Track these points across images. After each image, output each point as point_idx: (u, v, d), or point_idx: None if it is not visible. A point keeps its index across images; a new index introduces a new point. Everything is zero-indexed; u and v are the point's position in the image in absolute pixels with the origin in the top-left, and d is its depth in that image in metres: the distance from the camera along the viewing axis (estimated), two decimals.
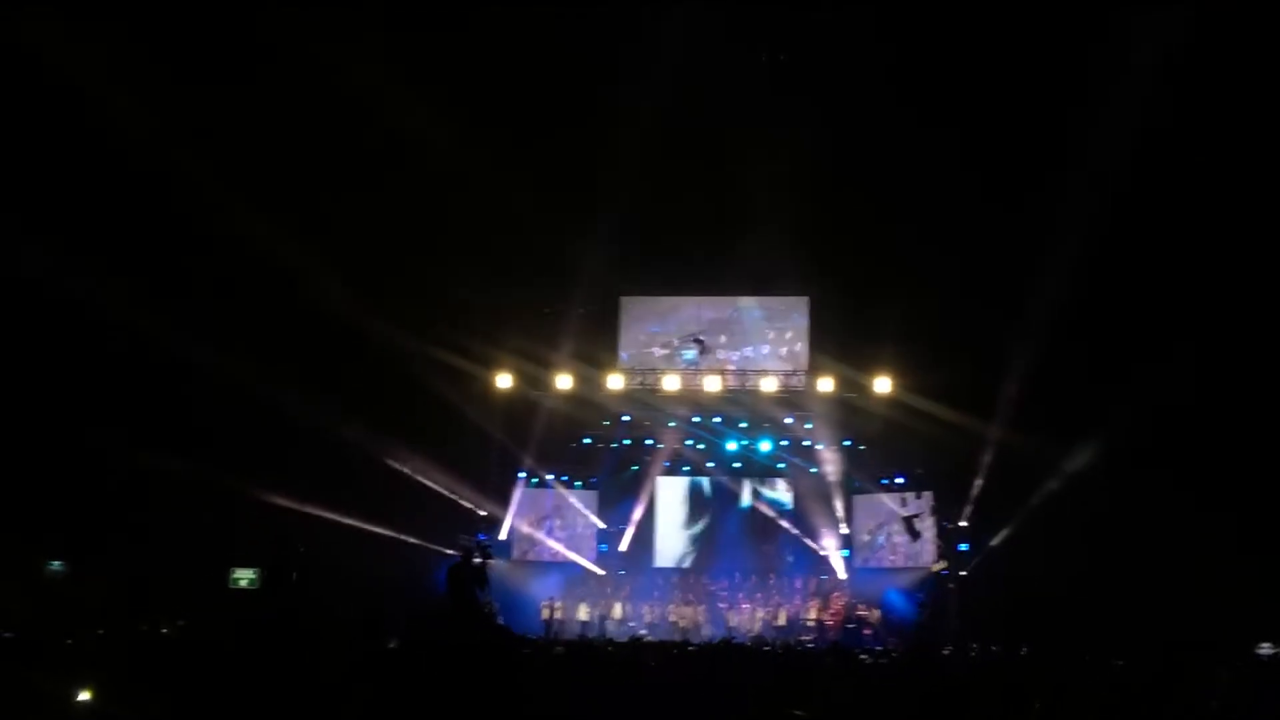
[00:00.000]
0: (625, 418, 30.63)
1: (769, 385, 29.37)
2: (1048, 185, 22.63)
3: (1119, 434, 23.73)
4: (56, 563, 24.33)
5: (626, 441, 31.31)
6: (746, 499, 31.32)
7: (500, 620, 22.87)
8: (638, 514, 31.01)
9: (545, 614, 28.81)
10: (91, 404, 22.58)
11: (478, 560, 15.96)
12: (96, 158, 21.31)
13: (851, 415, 29.57)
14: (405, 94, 22.05)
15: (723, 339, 30.14)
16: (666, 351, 30.13)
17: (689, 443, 30.99)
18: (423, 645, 9.74)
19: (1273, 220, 21.37)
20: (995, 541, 26.89)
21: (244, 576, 25.61)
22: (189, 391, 23.41)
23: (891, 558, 30.27)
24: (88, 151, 21.22)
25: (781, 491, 31.38)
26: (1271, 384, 22.86)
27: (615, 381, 29.11)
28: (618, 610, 29.66)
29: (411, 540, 26.91)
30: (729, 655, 13.94)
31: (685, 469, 31.66)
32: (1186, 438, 23.36)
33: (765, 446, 30.77)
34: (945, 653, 20.39)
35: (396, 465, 26.70)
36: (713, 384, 29.13)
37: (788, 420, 30.36)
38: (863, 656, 15.09)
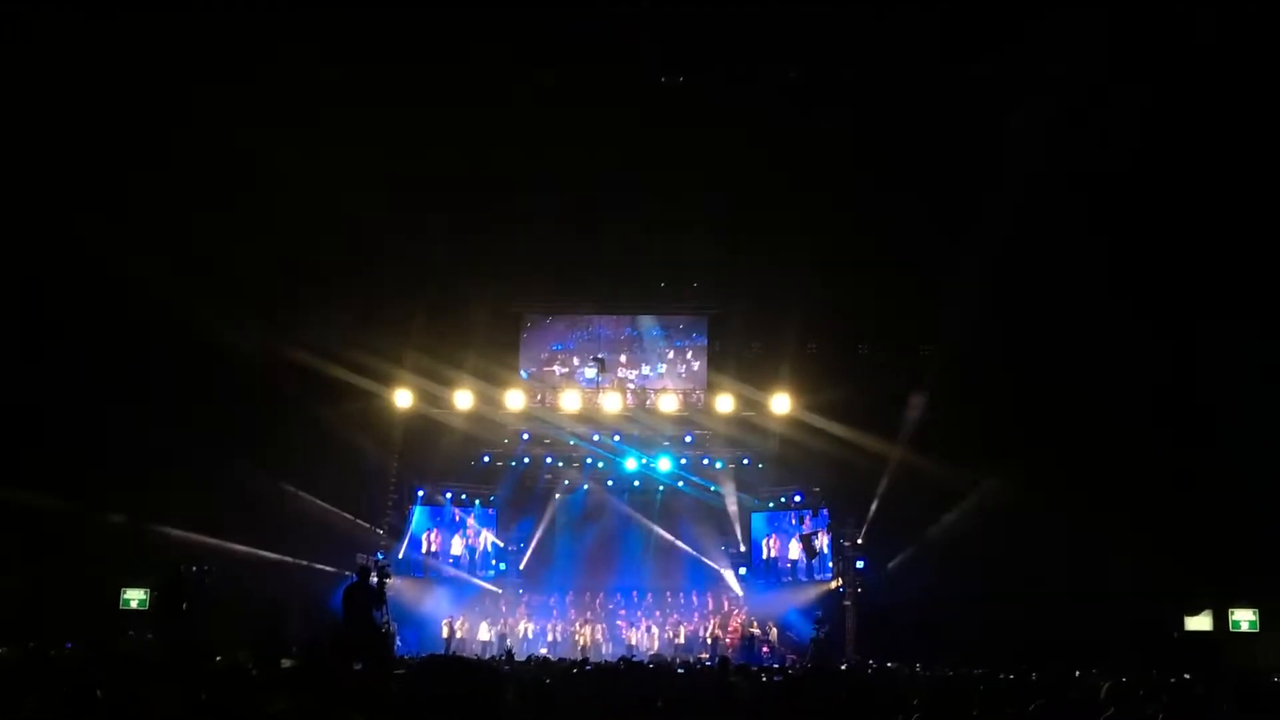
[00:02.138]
0: (525, 436, 30.52)
1: (668, 404, 29.46)
2: (955, 202, 23.01)
3: (1014, 454, 24.22)
4: None
5: (526, 460, 31.20)
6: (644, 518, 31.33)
7: (398, 640, 22.76)
8: (538, 532, 30.93)
9: (445, 632, 28.57)
10: None
11: (375, 580, 15.86)
12: None
13: (750, 433, 29.79)
14: (300, 118, 21.90)
15: (622, 357, 30.19)
16: (566, 370, 30.12)
17: (589, 461, 30.97)
18: (317, 665, 9.65)
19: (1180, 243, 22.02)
20: (892, 562, 27.25)
21: (134, 596, 25.06)
22: (70, 420, 22.84)
23: (788, 576, 30.52)
24: None
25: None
26: (1167, 409, 23.51)
27: (515, 399, 28.98)
28: (520, 629, 29.56)
29: (308, 563, 26.52)
30: (628, 673, 13.94)
31: (584, 487, 31.61)
32: (1082, 458, 23.95)
33: (665, 465, 30.84)
34: (842, 668, 20.68)
35: (291, 488, 26.26)
36: (612, 403, 29.13)
37: (687, 438, 30.50)
38: (760, 674, 15.20)
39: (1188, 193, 22.43)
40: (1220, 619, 25.20)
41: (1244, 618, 25.24)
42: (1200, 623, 25.33)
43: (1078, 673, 15.33)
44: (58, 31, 20.24)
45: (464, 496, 31.22)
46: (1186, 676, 14.96)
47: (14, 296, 21.41)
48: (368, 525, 28.64)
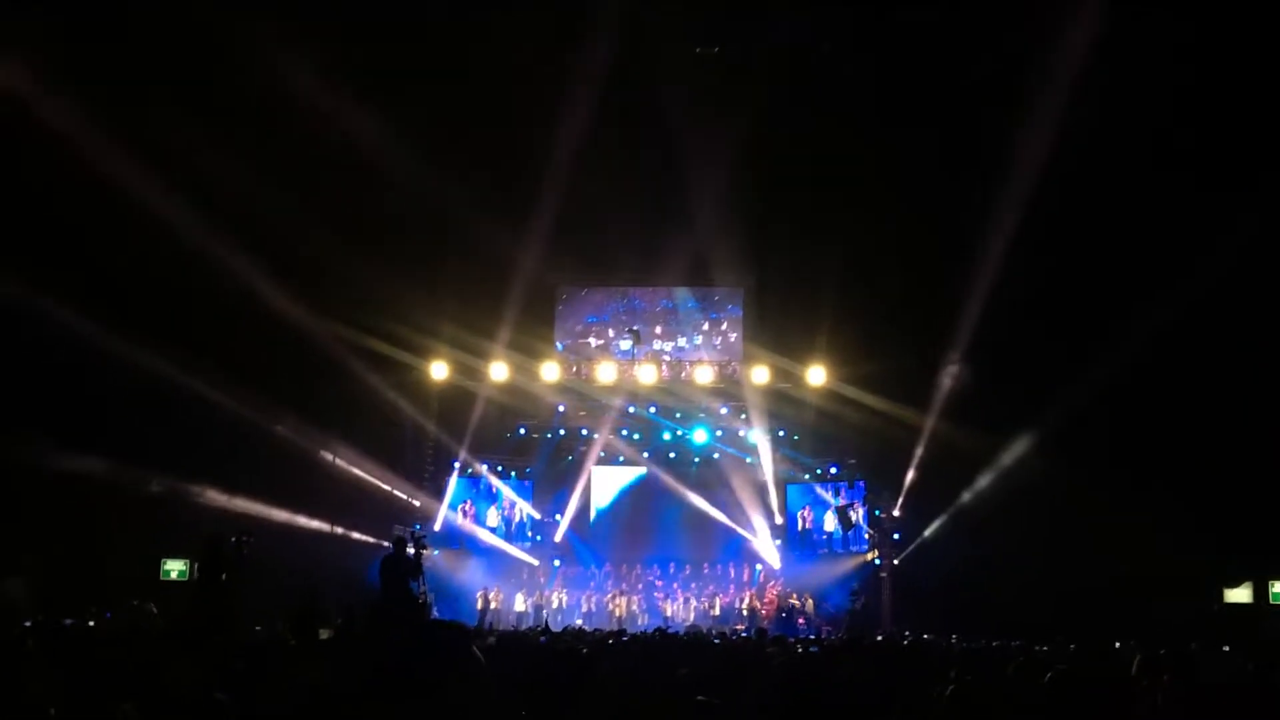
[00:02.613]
0: (560, 408, 30.60)
1: (704, 376, 29.43)
2: (987, 177, 22.79)
3: (1051, 424, 24.06)
4: None
5: (562, 432, 31.32)
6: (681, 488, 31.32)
7: (434, 611, 22.89)
8: (573, 504, 30.99)
9: (480, 603, 28.72)
10: (13, 400, 22.16)
11: (411, 551, 15.91)
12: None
13: (785, 405, 29.74)
14: (339, 91, 21.94)
15: (658, 329, 30.16)
16: (602, 342, 30.12)
17: (624, 433, 31.00)
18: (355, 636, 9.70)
19: (1213, 220, 21.66)
20: (928, 532, 27.17)
21: (175, 568, 25.27)
22: (115, 384, 23.01)
23: (824, 547, 30.49)
24: None
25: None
26: (1209, 376, 23.22)
27: (551, 371, 29.05)
28: (554, 600, 29.68)
29: (346, 533, 26.73)
30: (664, 644, 13.97)
31: (620, 459, 31.66)
32: (1120, 427, 23.75)
33: (700, 436, 30.86)
34: (879, 639, 20.64)
35: (330, 458, 26.46)
36: (648, 374, 29.13)
37: (723, 410, 30.48)
38: (796, 645, 15.20)
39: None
40: (1260, 591, 24.95)
41: None
42: (1240, 595, 25.10)
43: (1117, 644, 15.24)
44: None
45: (500, 468, 31.32)
46: (1226, 649, 14.85)
47: (56, 264, 21.52)
48: (405, 496, 28.83)
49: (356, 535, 26.86)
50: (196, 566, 19.39)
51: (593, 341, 30.19)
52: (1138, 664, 8.40)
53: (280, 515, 24.75)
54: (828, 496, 30.37)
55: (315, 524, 26.00)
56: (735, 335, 29.96)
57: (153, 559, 25.09)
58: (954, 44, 22.70)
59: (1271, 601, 24.90)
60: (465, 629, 2.78)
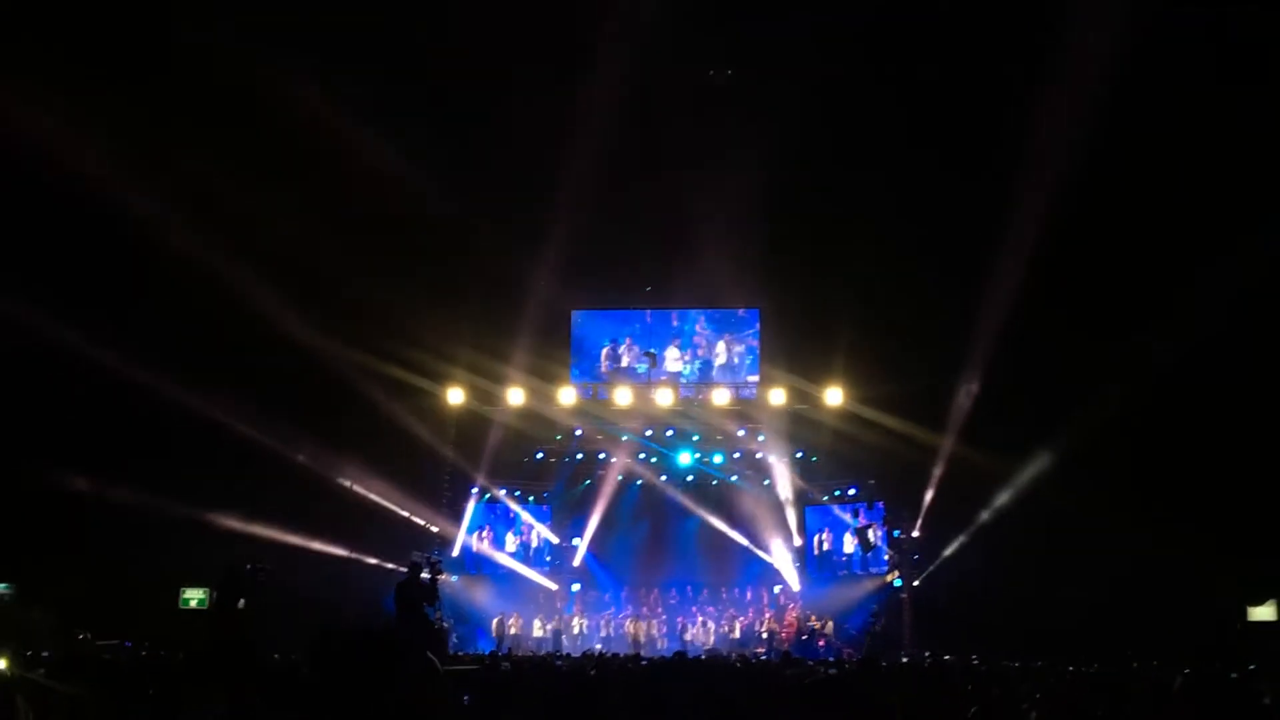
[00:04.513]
0: (578, 432, 30.58)
1: (720, 398, 29.40)
2: (997, 197, 22.77)
3: (1070, 446, 23.94)
4: (3, 585, 23.92)
5: (579, 456, 31.31)
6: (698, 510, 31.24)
7: (453, 637, 22.80)
8: (591, 528, 30.93)
9: (496, 629, 28.68)
10: (36, 428, 22.28)
11: (427, 576, 15.93)
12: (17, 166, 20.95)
13: (803, 427, 29.67)
14: (354, 116, 22.08)
15: (674, 352, 30.12)
16: (618, 365, 30.11)
17: (641, 456, 30.96)
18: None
19: (1225, 230, 21.59)
20: (948, 552, 27.03)
21: (194, 596, 25.29)
22: (136, 412, 23.12)
23: (844, 569, 30.36)
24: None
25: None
26: (1229, 391, 23.10)
27: (567, 396, 29.07)
28: (574, 625, 29.63)
29: (364, 558, 26.73)
30: (683, 668, 13.90)
31: (638, 483, 31.60)
32: (1141, 445, 23.61)
33: (718, 459, 30.80)
34: (904, 660, 20.54)
35: (348, 484, 26.49)
36: (664, 397, 29.09)
37: (740, 433, 30.43)
38: (815, 667, 15.14)
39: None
40: None
41: None
42: (1264, 613, 24.86)
43: (1135, 664, 15.14)
44: None
45: (518, 493, 31.30)
46: (1252, 668, 14.69)
47: (78, 294, 21.68)
48: (423, 522, 28.82)
49: (374, 561, 26.83)
50: (214, 594, 19.46)
51: (609, 365, 30.15)
52: (1180, 685, 8.28)
53: (299, 541, 24.77)
54: (846, 518, 30.25)
55: (334, 549, 26.00)
56: (751, 357, 29.87)
57: (172, 587, 25.15)
58: (966, 62, 22.70)
59: None
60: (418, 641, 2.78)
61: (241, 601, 17.48)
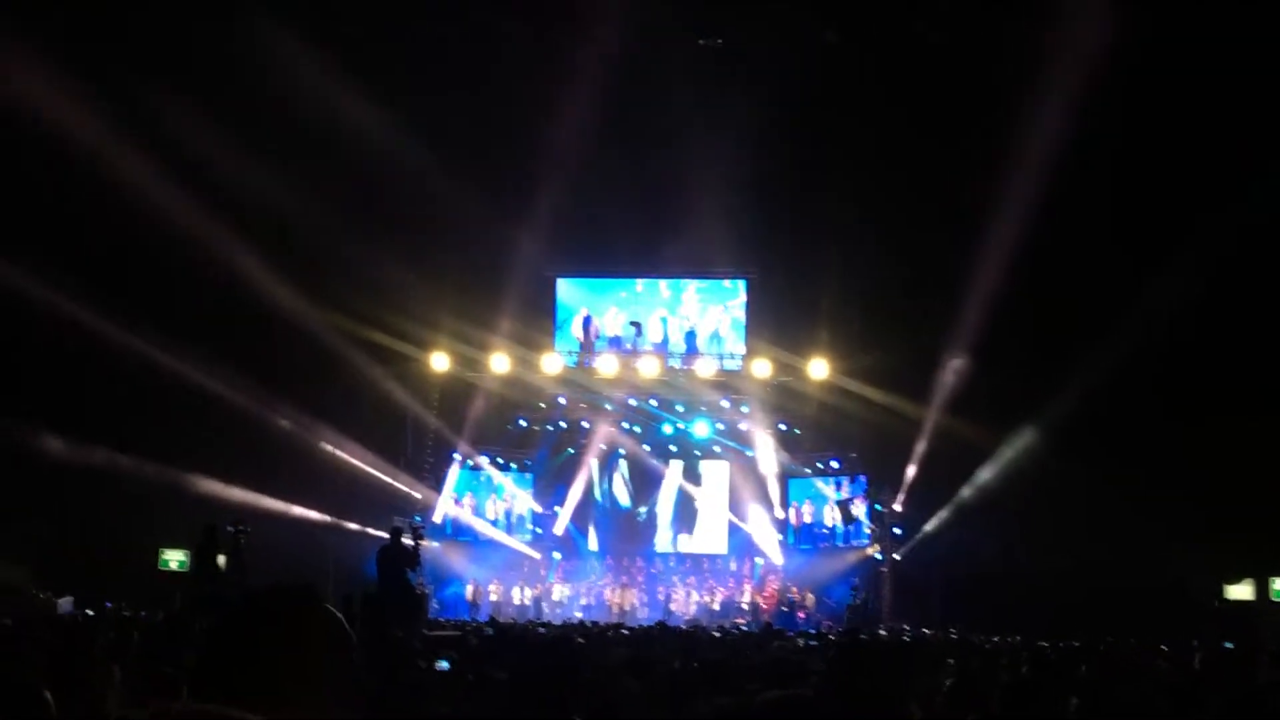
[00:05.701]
0: (561, 400, 30.49)
1: (705, 368, 29.32)
2: (987, 168, 22.67)
3: (1054, 419, 23.96)
4: None
5: (562, 424, 31.20)
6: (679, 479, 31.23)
7: (432, 603, 22.76)
8: (573, 496, 30.88)
9: (470, 594, 28.66)
10: (10, 391, 22.11)
11: (409, 542, 15.87)
12: None
13: (787, 399, 29.64)
14: (336, 79, 21.85)
15: (659, 321, 30.00)
16: (603, 333, 29.99)
17: (625, 425, 30.90)
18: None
19: (1221, 213, 21.56)
20: (929, 527, 27.06)
21: (174, 558, 25.19)
22: (113, 376, 22.94)
23: (825, 541, 30.39)
24: None
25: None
26: (1212, 368, 23.15)
27: (551, 363, 28.96)
28: (555, 593, 29.63)
29: (344, 523, 26.63)
30: (664, 637, 13.90)
31: (621, 452, 31.55)
32: (1122, 423, 23.65)
33: (701, 429, 30.77)
34: (881, 633, 20.59)
35: (329, 448, 26.34)
36: (649, 367, 29.00)
37: (723, 403, 30.38)
38: (796, 639, 15.15)
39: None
40: (1261, 588, 24.86)
41: None
42: (1241, 591, 25.01)
43: (1110, 638, 15.20)
44: None
45: (500, 460, 31.22)
46: (1228, 645, 14.75)
47: (54, 253, 21.45)
48: (404, 488, 28.72)
49: (355, 526, 26.73)
50: (194, 555, 19.38)
51: (594, 333, 30.03)
52: (1200, 660, 8.25)
53: (279, 505, 24.65)
54: (829, 490, 30.26)
55: (314, 514, 25.88)
56: (739, 330, 29.76)
57: (150, 549, 25.05)
58: (959, 35, 22.60)
59: (1272, 599, 24.80)
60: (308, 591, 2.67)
61: (222, 559, 17.38)
